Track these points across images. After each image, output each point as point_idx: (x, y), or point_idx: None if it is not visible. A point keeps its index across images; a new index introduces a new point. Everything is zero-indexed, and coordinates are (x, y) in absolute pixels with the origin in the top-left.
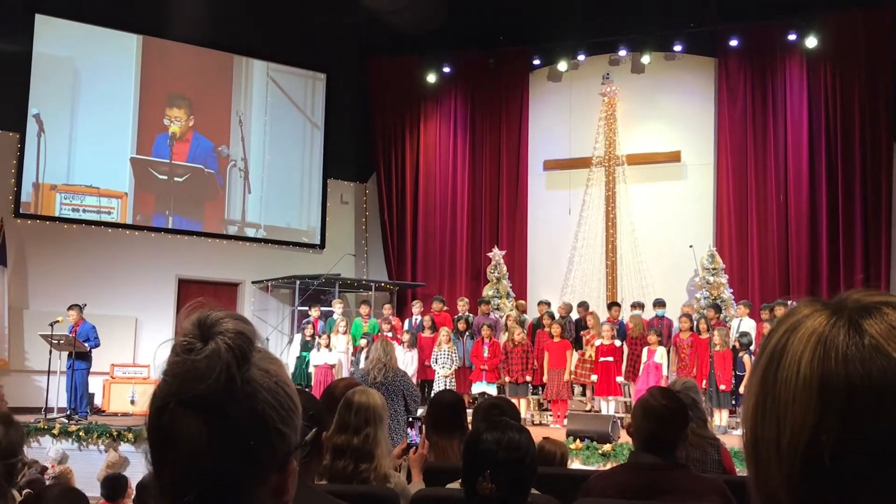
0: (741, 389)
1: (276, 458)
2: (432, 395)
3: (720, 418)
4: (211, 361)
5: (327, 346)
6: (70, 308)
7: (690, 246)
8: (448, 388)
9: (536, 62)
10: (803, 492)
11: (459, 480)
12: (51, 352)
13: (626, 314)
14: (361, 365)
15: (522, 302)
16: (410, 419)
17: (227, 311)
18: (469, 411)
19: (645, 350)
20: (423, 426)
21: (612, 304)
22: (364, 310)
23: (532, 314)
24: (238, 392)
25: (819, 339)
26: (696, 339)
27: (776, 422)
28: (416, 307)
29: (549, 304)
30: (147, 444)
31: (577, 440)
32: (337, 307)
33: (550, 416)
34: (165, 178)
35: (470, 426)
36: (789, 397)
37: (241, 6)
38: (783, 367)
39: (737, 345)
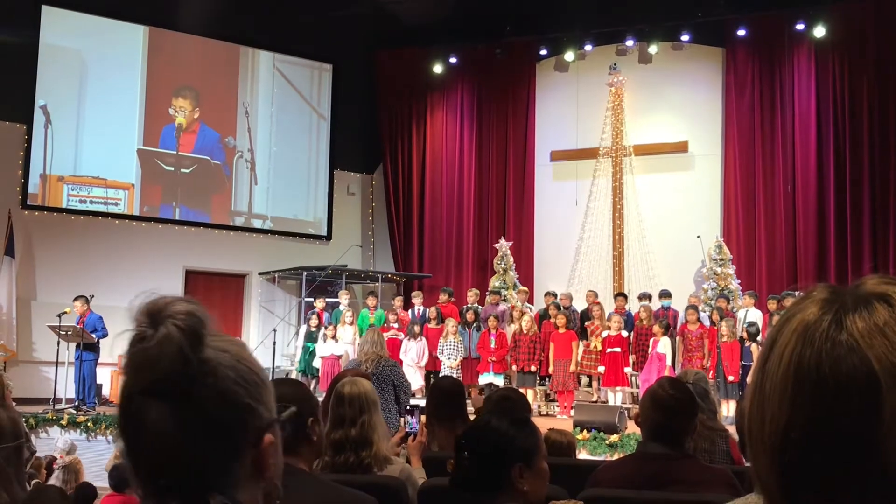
0: (748, 379)
1: (249, 432)
2: None
3: (727, 409)
4: (163, 345)
5: (333, 337)
6: (76, 299)
7: (698, 236)
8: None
9: (543, 52)
10: (786, 481)
11: None
12: (59, 343)
13: (633, 305)
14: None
15: (525, 289)
16: (409, 407)
17: (175, 295)
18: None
19: (651, 341)
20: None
21: (619, 295)
22: (371, 301)
23: (538, 305)
24: (195, 372)
25: (802, 333)
26: (711, 330)
27: (762, 411)
28: (417, 298)
29: (555, 296)
30: (121, 439)
31: (585, 431)
32: (343, 298)
33: (557, 406)
34: (172, 169)
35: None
36: (772, 389)
37: None
38: (772, 357)
39: (744, 335)
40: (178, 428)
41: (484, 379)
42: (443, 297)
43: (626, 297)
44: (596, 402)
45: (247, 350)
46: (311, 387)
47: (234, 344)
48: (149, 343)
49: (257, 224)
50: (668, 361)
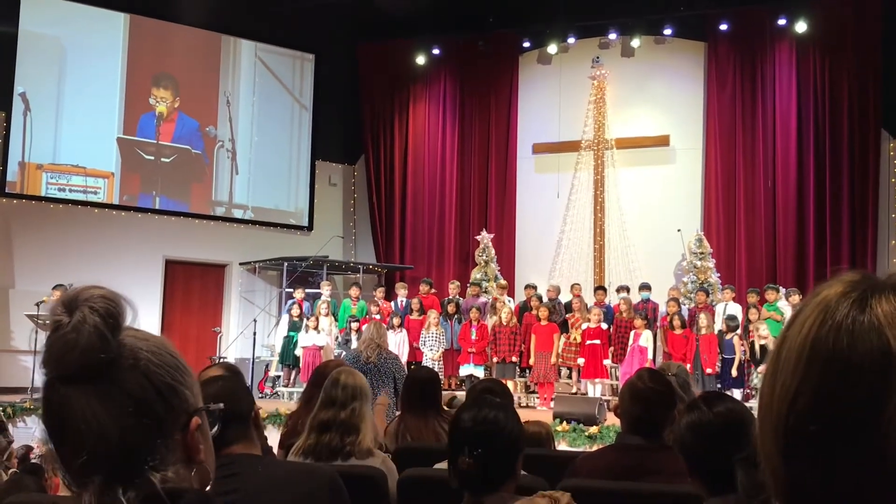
0: (734, 372)
1: (175, 414)
2: None
3: None
4: (79, 329)
5: (315, 327)
6: (55, 288)
7: (678, 230)
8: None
9: (526, 45)
10: (787, 451)
11: (445, 461)
12: (36, 331)
13: (613, 298)
14: (354, 346)
15: (504, 282)
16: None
17: (90, 284)
18: (459, 392)
19: (632, 333)
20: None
21: (599, 288)
22: (354, 292)
23: (519, 297)
24: (115, 354)
25: (825, 307)
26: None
27: (774, 380)
28: (402, 290)
29: (535, 288)
30: (45, 427)
31: (564, 422)
32: (325, 289)
33: (537, 398)
34: (152, 158)
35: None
36: (787, 358)
37: None
38: (792, 329)
39: (724, 328)
40: (102, 410)
41: (465, 370)
42: (424, 289)
43: (605, 290)
44: (576, 393)
45: (169, 342)
46: (293, 377)
47: (154, 336)
48: (65, 329)
49: (238, 214)
50: (650, 354)
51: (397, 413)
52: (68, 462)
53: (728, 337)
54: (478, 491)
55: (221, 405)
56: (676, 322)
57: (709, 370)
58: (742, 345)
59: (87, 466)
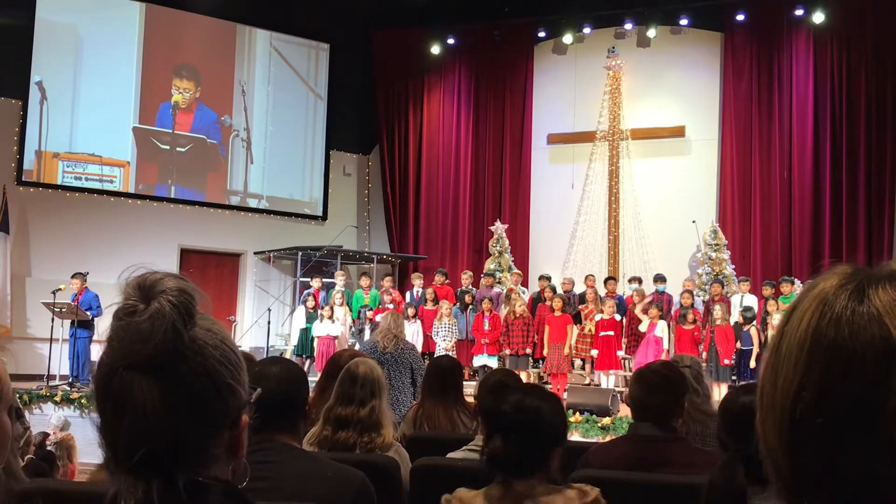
0: (752, 363)
1: (229, 413)
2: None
3: (719, 393)
4: (155, 321)
5: (330, 317)
6: (73, 276)
7: (693, 221)
8: None
9: (542, 35)
10: (791, 445)
11: (458, 450)
12: (53, 319)
13: (626, 289)
14: (367, 337)
15: (518, 272)
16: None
17: (166, 271)
18: (472, 384)
19: (647, 324)
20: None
21: (609, 279)
22: (365, 282)
23: (533, 288)
24: (186, 349)
25: (823, 300)
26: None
27: (775, 375)
28: (418, 280)
29: (549, 279)
30: (96, 411)
31: (577, 413)
32: (339, 279)
33: (550, 389)
34: (168, 147)
35: (474, 399)
36: (787, 352)
37: None
38: (790, 323)
39: (740, 320)
40: (163, 404)
41: (478, 361)
42: (438, 279)
43: (615, 280)
44: (589, 384)
45: (227, 330)
46: (307, 367)
47: (217, 324)
48: (140, 317)
49: (253, 203)
50: (665, 345)
51: (414, 402)
52: (115, 447)
53: (746, 328)
54: (507, 474)
55: (260, 390)
56: (690, 317)
57: (726, 360)
58: (760, 337)
59: (135, 454)
